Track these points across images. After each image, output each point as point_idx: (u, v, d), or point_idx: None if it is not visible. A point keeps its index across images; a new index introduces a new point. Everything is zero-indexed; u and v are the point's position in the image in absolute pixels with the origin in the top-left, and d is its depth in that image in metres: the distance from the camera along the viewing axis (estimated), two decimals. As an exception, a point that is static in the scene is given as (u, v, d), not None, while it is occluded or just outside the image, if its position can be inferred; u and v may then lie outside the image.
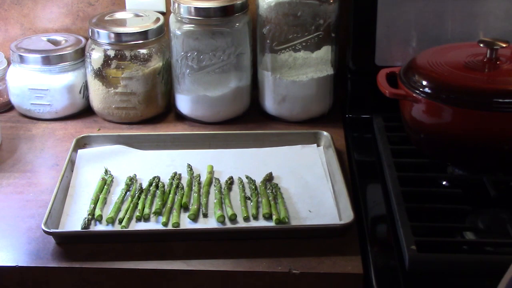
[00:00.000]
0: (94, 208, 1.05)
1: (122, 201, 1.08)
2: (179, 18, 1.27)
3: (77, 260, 0.96)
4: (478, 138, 1.01)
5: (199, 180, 1.13)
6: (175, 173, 1.15)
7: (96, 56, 1.31)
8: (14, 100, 1.38)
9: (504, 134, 1.00)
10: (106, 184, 1.12)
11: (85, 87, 1.37)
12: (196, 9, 1.25)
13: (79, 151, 1.21)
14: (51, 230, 0.99)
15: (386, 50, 1.27)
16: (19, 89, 1.35)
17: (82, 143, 1.23)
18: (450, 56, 1.09)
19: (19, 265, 0.96)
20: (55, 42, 1.39)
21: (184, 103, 1.34)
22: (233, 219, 1.04)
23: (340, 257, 0.96)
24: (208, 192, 1.10)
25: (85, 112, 1.38)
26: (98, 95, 1.33)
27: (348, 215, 1.01)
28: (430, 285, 0.89)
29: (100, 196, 1.08)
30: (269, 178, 1.14)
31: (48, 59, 1.33)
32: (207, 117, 1.33)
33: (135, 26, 1.31)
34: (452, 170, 1.09)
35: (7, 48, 1.41)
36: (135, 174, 1.14)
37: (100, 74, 1.31)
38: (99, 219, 1.04)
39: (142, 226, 1.03)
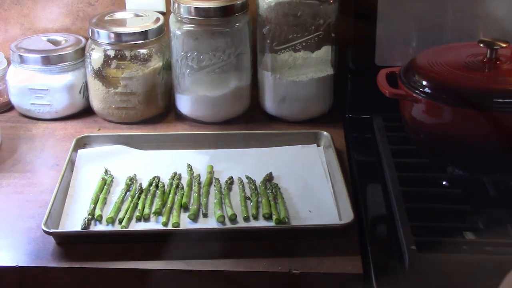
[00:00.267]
0: (94, 208, 1.05)
1: (122, 201, 1.08)
2: (179, 18, 1.27)
3: (77, 260, 0.96)
4: (478, 138, 1.01)
5: (199, 180, 1.13)
6: (175, 173, 1.15)
7: (96, 56, 1.31)
8: (14, 100, 1.38)
9: (504, 134, 1.00)
10: (106, 184, 1.11)
11: (85, 87, 1.36)
12: (196, 9, 1.25)
13: (79, 151, 1.21)
14: (51, 230, 0.99)
15: (386, 50, 1.27)
16: (19, 89, 1.35)
17: (82, 143, 1.23)
18: (450, 56, 1.09)
19: (19, 265, 0.96)
20: (55, 42, 1.39)
21: (184, 103, 1.34)
22: (233, 219, 1.04)
23: (340, 257, 0.96)
24: (208, 192, 1.10)
25: (85, 112, 1.38)
26: (98, 95, 1.33)
27: (348, 215, 1.00)
28: (430, 285, 0.89)
29: (100, 196, 1.08)
30: (269, 178, 1.14)
31: (48, 59, 1.33)
32: (207, 117, 1.33)
33: (135, 26, 1.31)
34: (452, 170, 1.09)
35: (7, 48, 1.40)
36: (135, 174, 1.14)
37: (100, 74, 1.31)
38: (99, 219, 1.04)
39: (142, 226, 1.03)
